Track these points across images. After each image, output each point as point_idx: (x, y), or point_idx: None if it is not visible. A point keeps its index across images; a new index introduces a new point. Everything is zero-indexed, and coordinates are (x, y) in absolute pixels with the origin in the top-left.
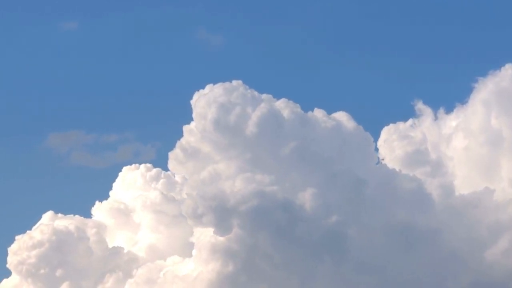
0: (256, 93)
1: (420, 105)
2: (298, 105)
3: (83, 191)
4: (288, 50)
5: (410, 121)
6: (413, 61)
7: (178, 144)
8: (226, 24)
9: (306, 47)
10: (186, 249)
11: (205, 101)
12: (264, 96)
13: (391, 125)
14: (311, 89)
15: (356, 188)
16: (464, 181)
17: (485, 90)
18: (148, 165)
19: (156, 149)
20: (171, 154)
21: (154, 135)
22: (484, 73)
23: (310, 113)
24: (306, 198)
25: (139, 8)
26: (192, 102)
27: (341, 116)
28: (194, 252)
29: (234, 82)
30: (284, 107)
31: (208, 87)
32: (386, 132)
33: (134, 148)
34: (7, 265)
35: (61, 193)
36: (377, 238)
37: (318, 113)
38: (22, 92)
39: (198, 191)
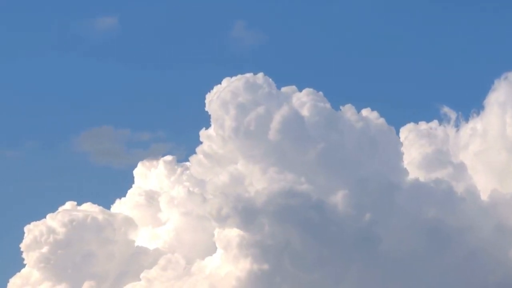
0: (276, 90)
1: (440, 107)
2: (326, 99)
3: (110, 187)
4: (319, 47)
5: (431, 122)
6: (435, 63)
7: (198, 149)
8: (264, 20)
9: (336, 45)
10: (211, 247)
11: (221, 102)
12: (284, 89)
13: (408, 124)
14: (340, 85)
15: (386, 191)
16: (486, 182)
17: (501, 92)
18: (169, 157)
19: (189, 150)
20: (192, 159)
21: (187, 135)
22: (498, 75)
23: (339, 112)
24: (338, 199)
25: (176, 4)
26: (206, 103)
27: (369, 114)
28: (219, 250)
29: (250, 75)
30: (308, 100)
31: (226, 81)
32: (405, 132)
33: (166, 148)
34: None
35: (88, 189)
36: (408, 238)
37: (347, 111)
38: (58, 88)
39: (222, 194)
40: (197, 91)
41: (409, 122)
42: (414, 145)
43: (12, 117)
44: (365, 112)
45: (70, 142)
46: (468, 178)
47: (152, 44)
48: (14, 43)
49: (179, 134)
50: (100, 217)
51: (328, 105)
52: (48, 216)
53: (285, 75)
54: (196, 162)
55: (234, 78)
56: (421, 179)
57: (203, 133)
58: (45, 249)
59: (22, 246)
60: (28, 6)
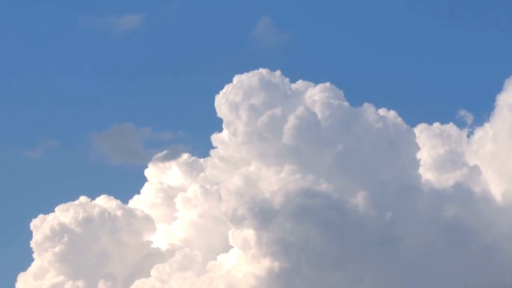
0: (290, 90)
1: (457, 110)
2: (345, 98)
3: (127, 186)
4: (342, 46)
5: (446, 125)
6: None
7: (212, 152)
8: (291, 18)
9: (356, 45)
10: (227, 245)
11: (231, 105)
12: (294, 85)
13: (419, 125)
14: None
15: (406, 194)
16: (497, 184)
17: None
18: (185, 156)
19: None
20: (206, 162)
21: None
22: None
23: (357, 110)
24: (358, 201)
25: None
26: (216, 107)
27: (386, 113)
28: (236, 250)
29: (266, 70)
30: (324, 97)
31: (237, 78)
32: (416, 132)
33: (187, 148)
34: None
35: (104, 188)
36: (427, 239)
37: (367, 110)
38: (81, 86)
39: (236, 195)
40: (219, 90)
41: (423, 122)
42: (425, 146)
43: (32, 117)
44: (382, 111)
45: (90, 140)
46: (482, 179)
47: (176, 41)
48: (33, 40)
49: (199, 134)
50: (118, 213)
51: (346, 104)
52: (57, 208)
53: (305, 73)
54: (211, 165)
55: (245, 75)
56: (432, 179)
57: (215, 137)
58: (58, 248)
59: (32, 243)
60: (52, 2)
